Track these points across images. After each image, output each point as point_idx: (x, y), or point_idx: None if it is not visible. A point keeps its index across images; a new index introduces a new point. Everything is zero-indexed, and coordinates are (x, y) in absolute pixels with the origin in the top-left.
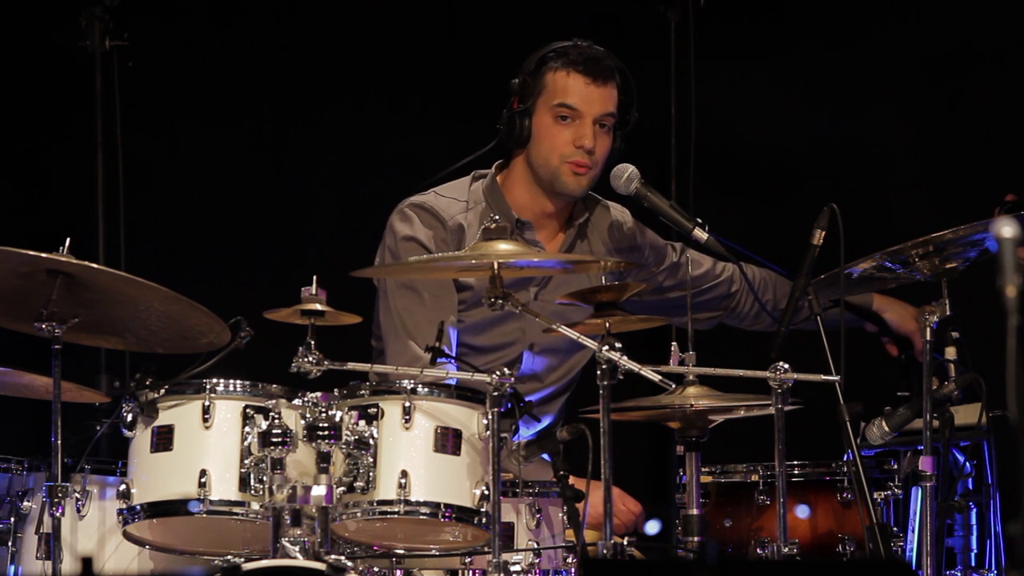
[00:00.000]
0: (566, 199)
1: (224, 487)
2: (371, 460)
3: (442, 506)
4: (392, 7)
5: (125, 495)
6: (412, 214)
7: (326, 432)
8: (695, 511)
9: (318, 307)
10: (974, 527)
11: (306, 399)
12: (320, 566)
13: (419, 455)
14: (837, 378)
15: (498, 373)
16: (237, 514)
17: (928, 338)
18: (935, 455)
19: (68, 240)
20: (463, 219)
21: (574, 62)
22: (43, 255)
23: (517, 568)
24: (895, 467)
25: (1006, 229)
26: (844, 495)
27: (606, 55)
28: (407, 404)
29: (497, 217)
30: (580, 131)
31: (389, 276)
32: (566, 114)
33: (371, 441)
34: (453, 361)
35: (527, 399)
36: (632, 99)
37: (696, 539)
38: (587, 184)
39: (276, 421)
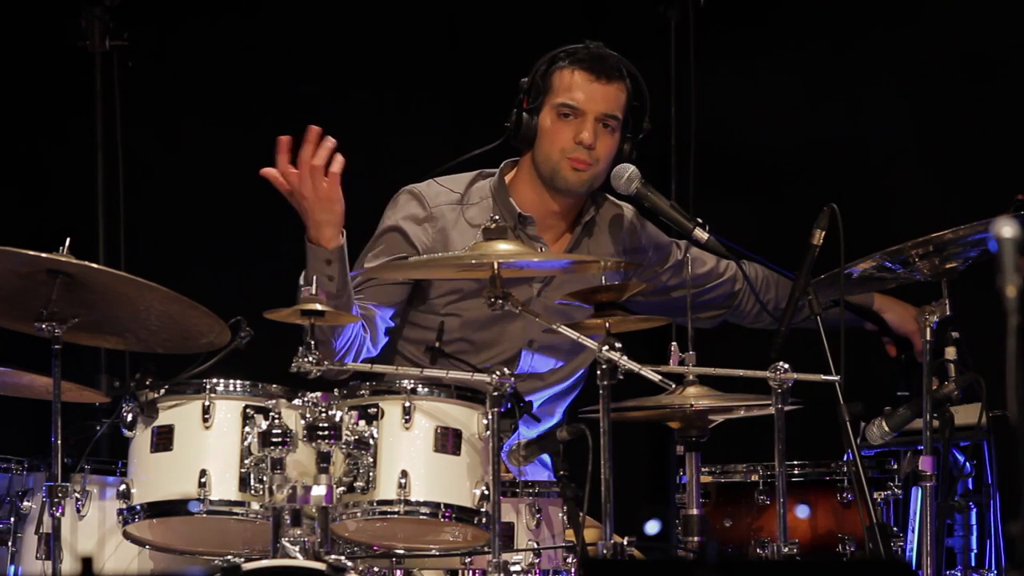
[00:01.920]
0: (568, 196)
1: (224, 487)
2: (371, 460)
3: (442, 506)
4: (392, 7)
5: (125, 495)
6: (400, 199)
7: (326, 432)
8: (695, 511)
9: (318, 307)
10: (974, 527)
11: (306, 399)
12: (320, 566)
13: (419, 455)
14: (837, 378)
15: (498, 373)
16: (237, 514)
17: (928, 338)
18: (935, 455)
19: (68, 240)
20: (449, 211)
21: (580, 60)
22: (43, 255)
23: (517, 568)
24: (895, 467)
25: (1006, 229)
26: (844, 495)
27: (616, 58)
28: (407, 404)
29: (497, 216)
30: (581, 127)
31: (389, 275)
32: (568, 112)
33: (371, 441)
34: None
35: (528, 398)
36: (645, 107)
37: (696, 539)
38: (587, 180)
39: (276, 421)
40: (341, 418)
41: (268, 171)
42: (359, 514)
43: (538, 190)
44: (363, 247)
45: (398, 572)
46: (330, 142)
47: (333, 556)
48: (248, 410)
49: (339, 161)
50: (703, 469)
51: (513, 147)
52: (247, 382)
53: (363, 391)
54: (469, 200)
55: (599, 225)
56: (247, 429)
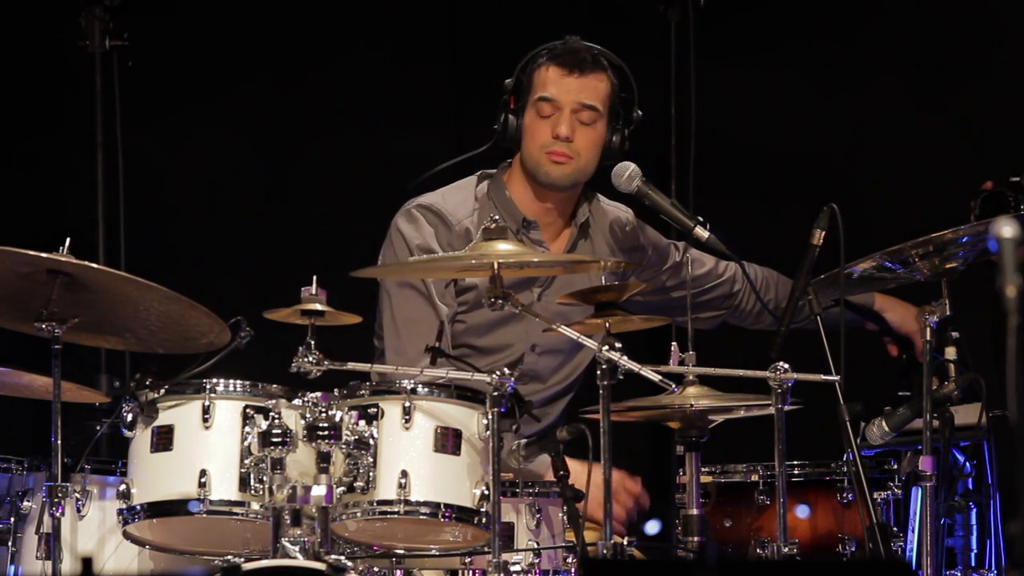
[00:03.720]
0: (555, 191)
1: (224, 487)
2: (371, 460)
3: (442, 506)
4: (393, 7)
5: (125, 495)
6: (419, 216)
7: (326, 432)
8: (695, 511)
9: (318, 307)
10: (974, 527)
11: (306, 399)
12: (320, 566)
13: (419, 455)
14: (837, 378)
15: (498, 373)
16: (237, 514)
17: (928, 338)
18: (935, 455)
19: (68, 240)
20: (470, 223)
21: (555, 56)
22: (43, 255)
23: (517, 568)
24: (895, 467)
25: (1006, 229)
26: (844, 495)
27: (593, 50)
28: (407, 404)
29: (498, 217)
30: (558, 121)
31: (389, 276)
32: (546, 107)
33: (371, 441)
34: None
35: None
36: (633, 96)
37: (696, 539)
38: (570, 174)
39: (276, 421)
40: (341, 418)
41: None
42: (359, 514)
43: (529, 188)
44: (357, 245)
45: (398, 572)
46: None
47: (333, 556)
48: (248, 410)
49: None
50: (703, 469)
51: (501, 148)
52: (247, 382)
53: (363, 391)
54: (478, 206)
55: (594, 228)
56: (247, 429)
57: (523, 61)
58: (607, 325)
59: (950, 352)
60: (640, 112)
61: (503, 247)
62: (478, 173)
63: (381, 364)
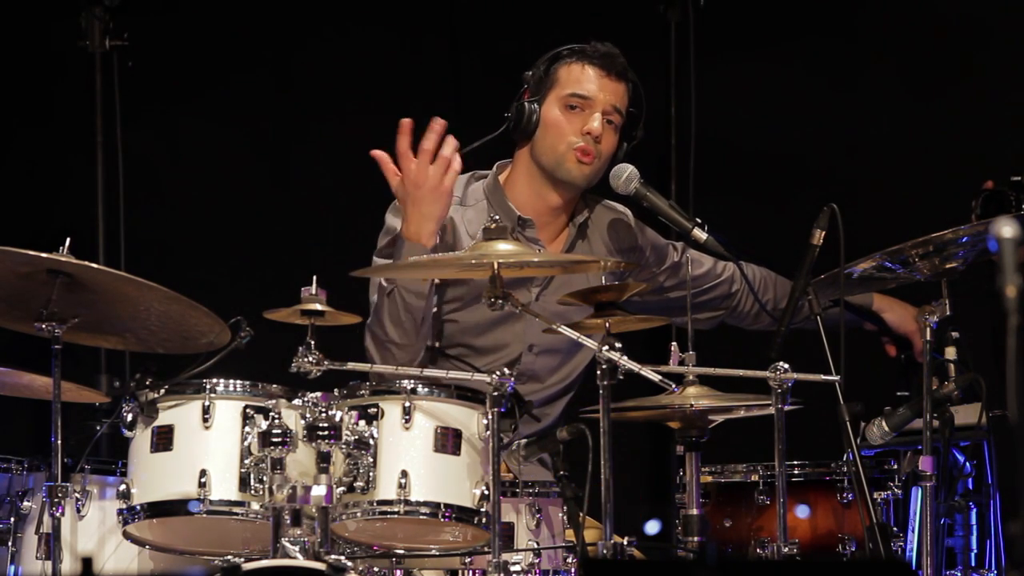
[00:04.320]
0: (568, 190)
1: (224, 487)
2: (371, 460)
3: (442, 506)
4: (393, 6)
5: (125, 495)
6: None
7: (326, 432)
8: (695, 511)
9: (318, 307)
10: (974, 527)
11: (306, 399)
12: (320, 566)
13: (419, 455)
14: (837, 378)
15: (498, 373)
16: (237, 514)
17: (928, 338)
18: (935, 455)
19: (68, 240)
20: (453, 212)
21: (590, 56)
22: (43, 255)
23: (517, 568)
24: (895, 467)
25: (1006, 229)
26: (844, 495)
27: (624, 60)
28: (407, 404)
29: (497, 217)
30: (589, 119)
31: (389, 276)
32: (576, 103)
33: (371, 441)
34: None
35: (527, 399)
36: (641, 114)
37: (696, 539)
38: (590, 174)
39: (276, 421)
40: (341, 418)
41: (380, 154)
42: (359, 514)
43: (535, 185)
44: (357, 245)
45: (398, 572)
46: (453, 140)
47: (333, 556)
48: (248, 410)
49: (458, 158)
50: (703, 469)
51: (510, 143)
52: (247, 382)
53: (363, 391)
54: (466, 202)
55: (592, 228)
56: (247, 429)
57: (545, 56)
58: (607, 325)
59: (950, 352)
60: (643, 131)
61: (503, 247)
62: (469, 173)
63: (381, 364)
